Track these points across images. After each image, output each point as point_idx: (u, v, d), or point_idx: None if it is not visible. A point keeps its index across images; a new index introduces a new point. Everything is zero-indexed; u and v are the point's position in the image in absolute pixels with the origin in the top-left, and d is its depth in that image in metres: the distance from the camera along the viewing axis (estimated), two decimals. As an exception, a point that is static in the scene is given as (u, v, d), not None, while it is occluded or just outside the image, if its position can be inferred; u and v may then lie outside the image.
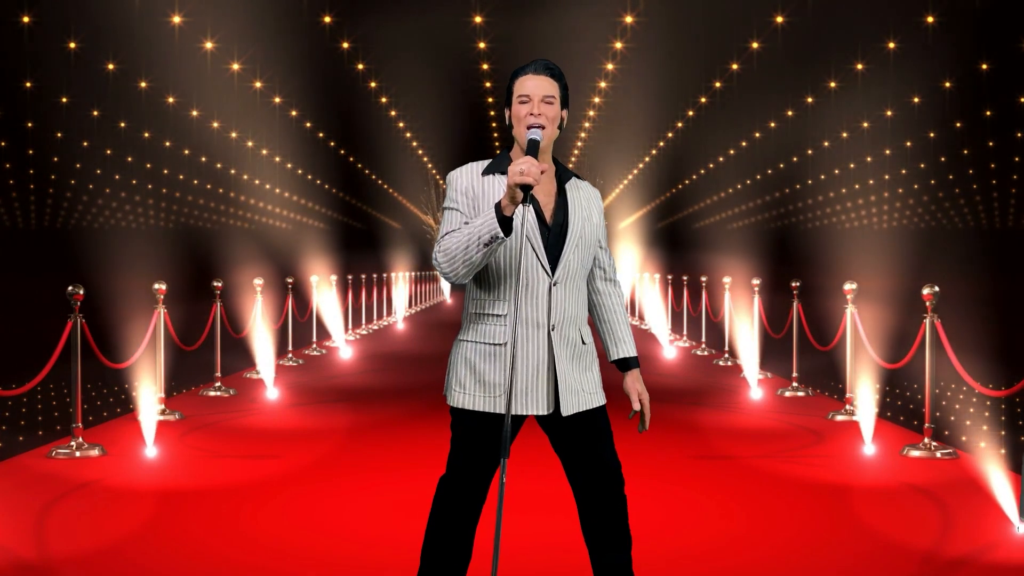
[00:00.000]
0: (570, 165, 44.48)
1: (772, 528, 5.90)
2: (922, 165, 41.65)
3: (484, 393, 3.74)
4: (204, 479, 7.08)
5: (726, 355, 15.28)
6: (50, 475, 7.13)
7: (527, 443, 6.00)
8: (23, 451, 7.96)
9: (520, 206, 3.63)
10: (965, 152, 40.17)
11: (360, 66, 27.99)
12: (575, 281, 3.82)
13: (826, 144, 36.98)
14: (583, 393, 3.80)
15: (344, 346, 17.77)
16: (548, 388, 3.75)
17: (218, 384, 11.39)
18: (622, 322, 3.98)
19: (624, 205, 50.82)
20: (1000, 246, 47.15)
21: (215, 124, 34.54)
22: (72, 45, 24.78)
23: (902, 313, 19.36)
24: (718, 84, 29.97)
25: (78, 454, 7.73)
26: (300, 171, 44.54)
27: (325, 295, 19.30)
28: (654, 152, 42.09)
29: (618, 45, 25.89)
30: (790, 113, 32.92)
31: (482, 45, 25.39)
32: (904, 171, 42.04)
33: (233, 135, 36.15)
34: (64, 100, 31.15)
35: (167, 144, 38.23)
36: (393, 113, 35.36)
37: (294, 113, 33.42)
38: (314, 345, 17.52)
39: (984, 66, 27.61)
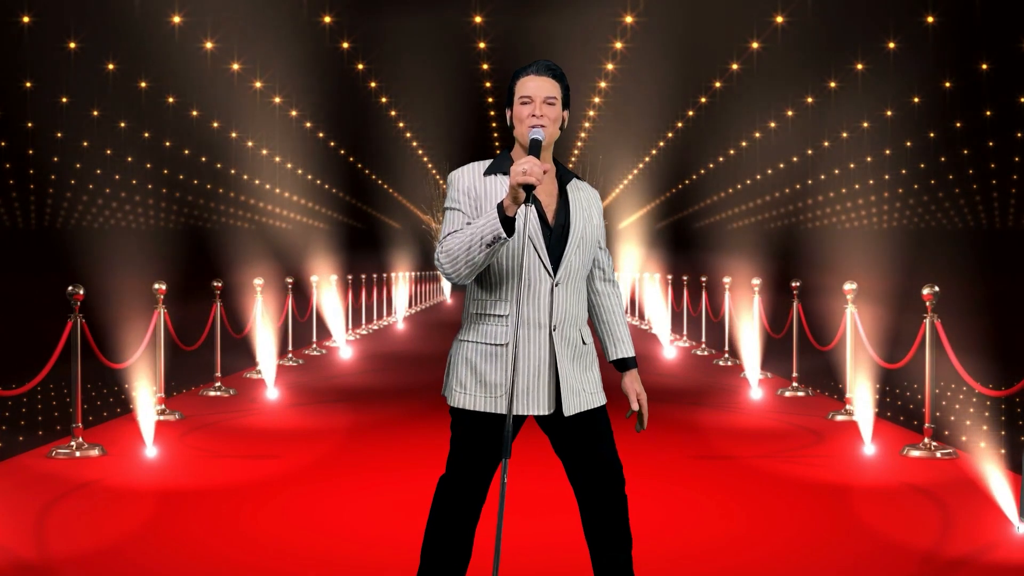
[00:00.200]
0: (570, 165, 44.47)
1: (772, 528, 5.90)
2: (922, 165, 41.67)
3: (485, 393, 3.74)
4: (204, 479, 7.09)
5: (726, 355, 15.28)
6: (50, 475, 7.13)
7: (527, 443, 6.00)
8: (23, 451, 7.96)
9: (522, 206, 3.63)
10: (965, 152, 40.17)
11: (360, 66, 28.00)
12: (576, 282, 3.82)
13: (826, 144, 36.99)
14: (584, 393, 3.80)
15: (344, 346, 17.77)
16: (549, 388, 3.75)
17: (218, 384, 11.39)
18: (620, 323, 3.99)
19: (624, 205, 50.83)
20: (1000, 246, 47.16)
21: (215, 124, 34.56)
22: (72, 45, 24.78)
23: (902, 313, 19.36)
24: (718, 84, 29.98)
25: (78, 454, 7.73)
26: (300, 171, 44.56)
27: (325, 295, 19.31)
28: (654, 152, 42.12)
29: (618, 45, 25.89)
30: (790, 113, 32.93)
31: (482, 45, 25.40)
32: (904, 171, 42.05)
33: (233, 135, 36.17)
34: (64, 100, 31.16)
35: (167, 144, 38.25)
36: (393, 113, 35.37)
37: (294, 113, 33.43)
38: (314, 345, 17.52)
39: (984, 66, 27.62)
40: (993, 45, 26.81)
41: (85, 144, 37.36)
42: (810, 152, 39.34)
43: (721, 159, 42.54)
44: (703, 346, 17.16)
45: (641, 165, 45.52)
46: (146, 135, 36.54)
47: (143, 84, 29.14)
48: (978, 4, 23.35)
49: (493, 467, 3.83)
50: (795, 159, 40.49)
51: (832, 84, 29.14)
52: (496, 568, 3.53)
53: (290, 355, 15.25)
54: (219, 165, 43.12)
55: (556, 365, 3.75)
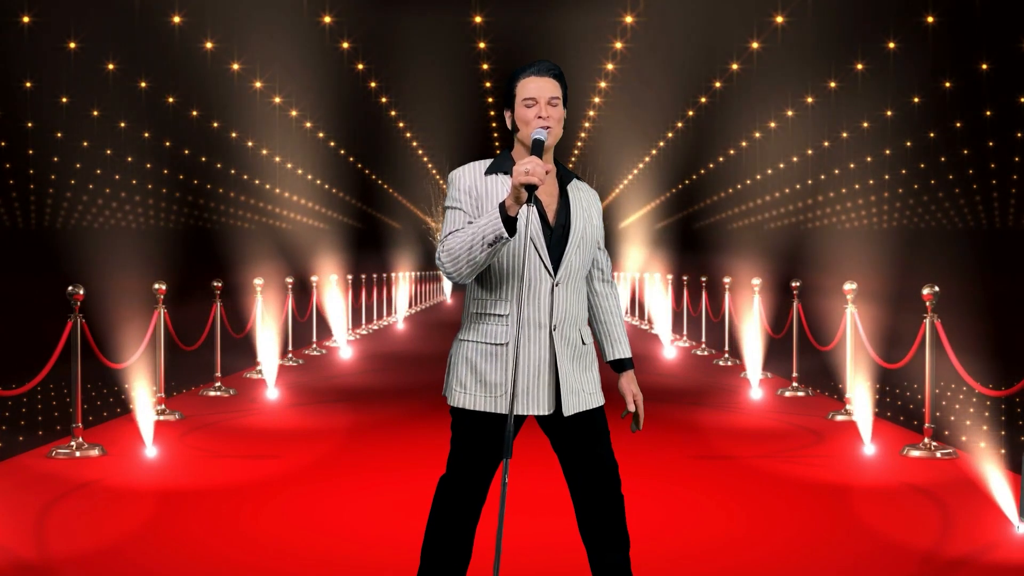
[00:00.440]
0: (570, 166, 44.48)
1: (772, 528, 5.90)
2: (922, 165, 41.67)
3: (485, 393, 3.75)
4: (204, 479, 7.09)
5: (726, 355, 15.28)
6: (50, 475, 7.13)
7: (527, 443, 6.00)
8: (23, 451, 7.96)
9: (524, 206, 3.63)
10: (965, 152, 40.17)
11: (360, 66, 28.00)
12: (576, 282, 3.83)
13: (826, 144, 36.99)
14: (584, 393, 3.81)
15: (344, 346, 17.77)
16: (549, 388, 3.76)
17: (218, 384, 11.39)
18: (618, 323, 4.00)
19: (624, 205, 50.85)
20: (1000, 246, 47.15)
21: (215, 124, 34.55)
22: (72, 45, 24.78)
23: (902, 313, 19.36)
24: (718, 84, 29.98)
25: (78, 454, 7.73)
26: (300, 171, 44.56)
27: (326, 295, 19.30)
28: (654, 152, 42.12)
29: (618, 45, 25.90)
30: (790, 113, 32.93)
31: (482, 45, 25.40)
32: (904, 171, 42.05)
33: (233, 135, 36.17)
34: (64, 100, 31.16)
35: (167, 144, 38.25)
36: (393, 113, 35.37)
37: (294, 113, 33.43)
38: (314, 345, 17.52)
39: (984, 66, 27.61)
40: (993, 45, 26.81)
41: (85, 144, 37.35)
42: (810, 152, 39.35)
43: (721, 159, 42.54)
44: (703, 346, 17.17)
45: (641, 165, 45.53)
46: (146, 135, 36.53)
47: (143, 84, 29.14)
48: (978, 4, 23.35)
49: (493, 467, 3.83)
50: (795, 159, 40.50)
51: (832, 84, 29.13)
52: (497, 568, 3.54)
53: (290, 355, 15.25)
54: (219, 165, 43.12)
55: (556, 365, 3.75)
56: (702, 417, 9.96)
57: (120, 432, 8.77)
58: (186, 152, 40.36)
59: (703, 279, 18.37)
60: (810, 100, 31.18)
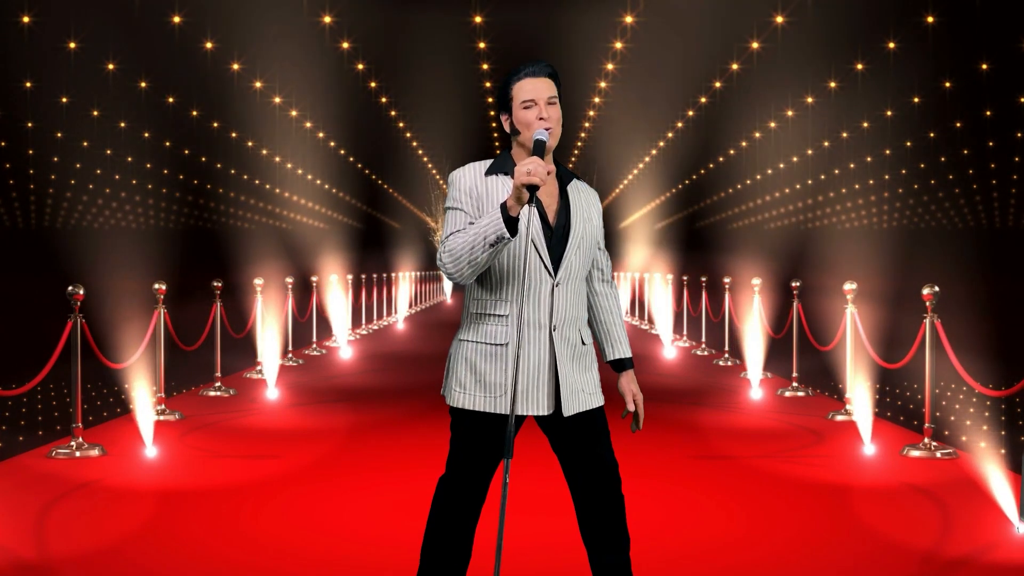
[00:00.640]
0: (570, 166, 44.49)
1: (772, 528, 5.90)
2: (922, 165, 41.68)
3: (485, 393, 3.75)
4: (204, 479, 7.08)
5: (726, 355, 15.28)
6: (50, 475, 7.13)
7: (527, 443, 6.00)
8: (23, 451, 7.96)
9: (525, 207, 3.63)
10: (965, 152, 40.18)
11: (360, 66, 28.00)
12: (576, 282, 3.83)
13: (826, 144, 37.00)
14: (583, 394, 3.81)
15: (344, 346, 17.77)
16: (549, 389, 3.76)
17: (218, 384, 11.39)
18: (618, 323, 4.00)
19: (624, 205, 50.84)
20: (1000, 246, 47.17)
21: (215, 124, 34.56)
22: (72, 45, 24.78)
23: (902, 313, 19.36)
24: (718, 84, 29.98)
25: (78, 454, 7.73)
26: (300, 171, 44.57)
27: (326, 295, 19.30)
28: (654, 152, 42.12)
29: (618, 45, 25.90)
30: (790, 113, 32.93)
31: (482, 45, 25.40)
32: (904, 171, 42.07)
33: (233, 135, 36.17)
34: (64, 100, 31.17)
35: (167, 144, 38.26)
36: (393, 113, 35.38)
37: (294, 113, 33.44)
38: (314, 345, 17.52)
39: (984, 66, 27.62)
40: (993, 45, 26.82)
41: (85, 144, 37.37)
42: (810, 152, 39.36)
43: (721, 159, 42.55)
44: (703, 346, 17.17)
45: (641, 165, 45.53)
46: (146, 135, 36.54)
47: (143, 84, 29.14)
48: (978, 4, 23.35)
49: (493, 467, 3.83)
50: (795, 159, 40.51)
51: (832, 84, 29.13)
52: (497, 568, 3.53)
53: (290, 355, 15.25)
54: (219, 165, 43.13)
55: (556, 365, 3.75)
56: (702, 417, 9.96)
57: (120, 432, 8.77)
58: (186, 152, 40.37)
59: (703, 279, 18.37)
60: (810, 100, 31.19)
